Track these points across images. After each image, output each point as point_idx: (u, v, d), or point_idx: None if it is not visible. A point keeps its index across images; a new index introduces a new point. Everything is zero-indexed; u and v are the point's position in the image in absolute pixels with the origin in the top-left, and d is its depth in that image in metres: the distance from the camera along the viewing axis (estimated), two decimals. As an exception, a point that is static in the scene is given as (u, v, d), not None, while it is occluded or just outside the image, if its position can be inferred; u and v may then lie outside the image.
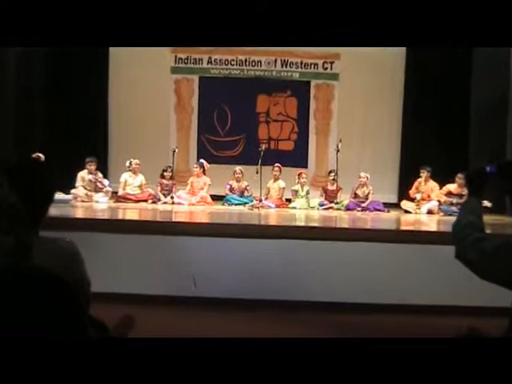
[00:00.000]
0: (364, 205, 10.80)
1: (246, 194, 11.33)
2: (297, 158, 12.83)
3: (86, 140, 12.07)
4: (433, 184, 10.80)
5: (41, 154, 9.71)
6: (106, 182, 10.99)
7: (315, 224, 8.32)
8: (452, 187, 10.53)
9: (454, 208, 10.03)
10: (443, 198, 10.54)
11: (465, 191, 10.29)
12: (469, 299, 5.92)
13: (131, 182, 11.09)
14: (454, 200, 10.33)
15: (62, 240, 2.20)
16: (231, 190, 11.36)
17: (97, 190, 10.78)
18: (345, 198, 11.06)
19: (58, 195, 9.61)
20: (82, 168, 10.85)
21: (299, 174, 11.40)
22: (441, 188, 10.68)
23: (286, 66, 12.91)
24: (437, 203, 10.56)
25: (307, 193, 11.29)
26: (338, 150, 10.77)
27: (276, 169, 11.35)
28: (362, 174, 11.13)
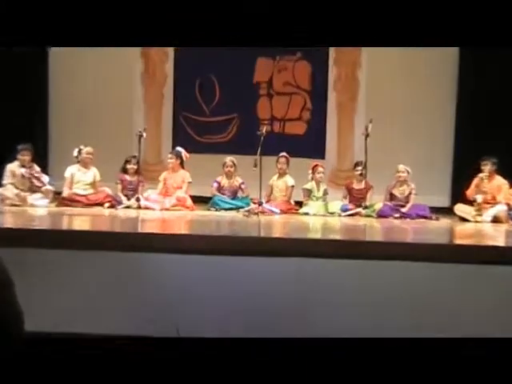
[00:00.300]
0: (404, 210, 10.78)
1: (240, 194, 11.31)
2: (310, 145, 12.81)
3: (17, 123, 12.02)
4: (500, 181, 10.76)
5: None
6: (45, 178, 10.95)
7: (336, 236, 8.30)
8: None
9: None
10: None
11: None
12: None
13: (80, 177, 11.07)
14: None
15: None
16: (220, 189, 11.33)
17: (33, 189, 10.74)
18: (377, 201, 11.02)
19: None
20: (12, 160, 10.79)
21: (314, 168, 11.38)
22: (511, 186, 10.64)
23: (296, 19, 12.88)
24: (505, 208, 10.53)
25: (325, 193, 11.27)
26: (367, 135, 10.71)
27: (282, 160, 11.32)
28: (401, 168, 11.09)
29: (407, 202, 10.96)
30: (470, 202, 10.80)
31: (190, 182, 11.16)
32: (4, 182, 10.63)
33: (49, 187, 10.86)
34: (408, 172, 11.11)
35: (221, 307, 6.22)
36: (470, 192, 10.83)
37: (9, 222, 8.45)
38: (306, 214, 10.80)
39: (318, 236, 8.39)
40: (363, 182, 11.06)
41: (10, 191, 10.49)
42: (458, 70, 12.68)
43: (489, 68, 12.07)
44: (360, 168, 11.12)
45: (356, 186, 11.24)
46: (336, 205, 11.08)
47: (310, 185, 11.29)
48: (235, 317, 6.16)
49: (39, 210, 10.07)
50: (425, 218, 10.65)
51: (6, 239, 6.24)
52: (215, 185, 11.36)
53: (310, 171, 11.36)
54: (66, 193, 10.91)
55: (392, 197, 11.08)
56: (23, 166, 10.76)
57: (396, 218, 10.60)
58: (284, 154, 11.37)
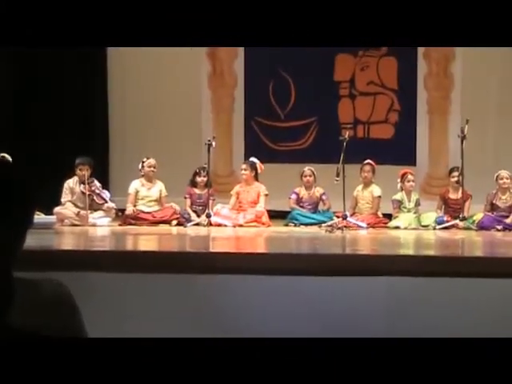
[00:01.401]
0: (508, 221, 10.65)
1: (321, 207, 11.31)
2: (399, 150, 12.74)
3: (75, 134, 12.24)
4: None
5: (6, 155, 9.86)
6: (106, 194, 11.04)
7: (431, 252, 8.26)
8: None
9: None
10: None
11: None
12: None
13: (145, 193, 11.16)
14: None
15: (48, 282, 2.21)
16: (299, 201, 11.34)
17: (93, 206, 10.85)
18: (476, 211, 10.92)
19: (37, 217, 9.68)
20: (71, 175, 10.97)
21: (403, 176, 11.31)
22: None
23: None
24: None
25: (417, 204, 11.20)
26: (463, 137, 10.62)
27: (366, 168, 11.28)
28: (504, 174, 10.97)
29: (511, 212, 10.84)
30: None
31: (266, 195, 11.17)
32: (62, 199, 10.71)
33: (111, 204, 10.94)
34: (511, 178, 10.98)
35: (302, 333, 6.23)
36: None
37: (68, 244, 8.60)
38: (397, 227, 10.76)
39: (411, 252, 8.37)
40: (460, 191, 10.94)
41: (68, 210, 10.59)
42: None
43: None
44: (456, 174, 11.03)
45: (452, 195, 11.15)
46: (430, 217, 11.01)
47: (400, 195, 11.23)
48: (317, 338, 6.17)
49: (101, 230, 10.19)
50: (532, 229, 10.53)
51: (65, 262, 6.36)
52: (293, 196, 11.36)
53: (399, 180, 11.31)
54: (129, 210, 10.97)
55: (493, 207, 10.95)
56: (83, 182, 10.85)
57: (499, 230, 10.48)
58: (369, 161, 11.33)
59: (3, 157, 9.67)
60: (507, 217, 10.75)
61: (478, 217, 10.72)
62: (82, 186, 10.85)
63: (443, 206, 11.19)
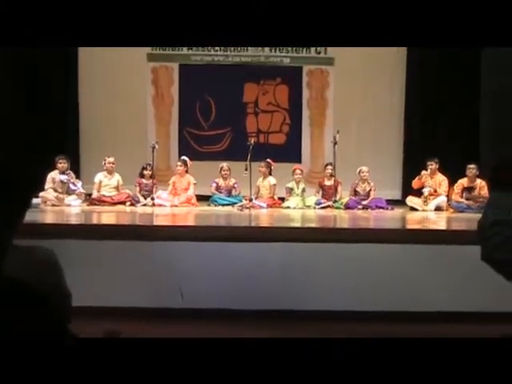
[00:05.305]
0: (365, 202, 10.82)
1: (233, 192, 11.33)
2: (289, 152, 12.81)
3: (54, 139, 12.01)
4: (441, 177, 10.81)
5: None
6: (79, 182, 10.96)
7: (312, 224, 8.35)
8: (464, 181, 10.55)
9: (464, 204, 10.16)
10: (458, 198, 10.48)
11: (476, 184, 10.35)
12: (493, 304, 5.94)
13: (106, 182, 11.08)
14: (465, 194, 10.40)
15: (39, 248, 2.19)
16: (218, 188, 11.35)
17: (69, 192, 10.72)
18: (345, 195, 11.08)
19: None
20: (52, 169, 10.80)
21: (294, 170, 11.39)
22: (450, 183, 10.68)
23: (276, 51, 12.90)
24: (445, 199, 10.61)
25: (303, 190, 11.28)
26: (335, 143, 10.78)
27: (262, 165, 11.30)
28: (364, 169, 11.14)
29: (368, 197, 11.01)
30: (418, 195, 10.86)
31: (194, 184, 11.19)
32: (46, 187, 10.60)
33: (81, 190, 10.88)
34: (368, 172, 11.17)
35: (219, 282, 6.27)
36: (414, 182, 10.87)
37: (50, 219, 8.47)
38: (288, 207, 10.84)
39: (298, 225, 8.43)
40: (332, 179, 11.09)
41: (50, 194, 10.47)
42: (405, 87, 12.73)
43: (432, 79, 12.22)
44: (329, 168, 11.20)
45: (327, 182, 11.27)
46: (312, 199, 11.12)
47: (292, 184, 11.32)
48: (230, 290, 6.21)
49: (74, 209, 10.07)
50: (382, 208, 10.70)
51: (48, 232, 6.27)
52: (214, 185, 11.38)
53: (292, 173, 11.38)
54: (95, 195, 10.91)
55: (356, 192, 11.13)
56: (62, 173, 10.75)
57: (359, 209, 10.65)
58: (268, 160, 11.40)
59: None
60: (365, 199, 10.95)
61: (345, 200, 10.89)
62: (61, 175, 10.75)
63: (320, 191, 11.32)
